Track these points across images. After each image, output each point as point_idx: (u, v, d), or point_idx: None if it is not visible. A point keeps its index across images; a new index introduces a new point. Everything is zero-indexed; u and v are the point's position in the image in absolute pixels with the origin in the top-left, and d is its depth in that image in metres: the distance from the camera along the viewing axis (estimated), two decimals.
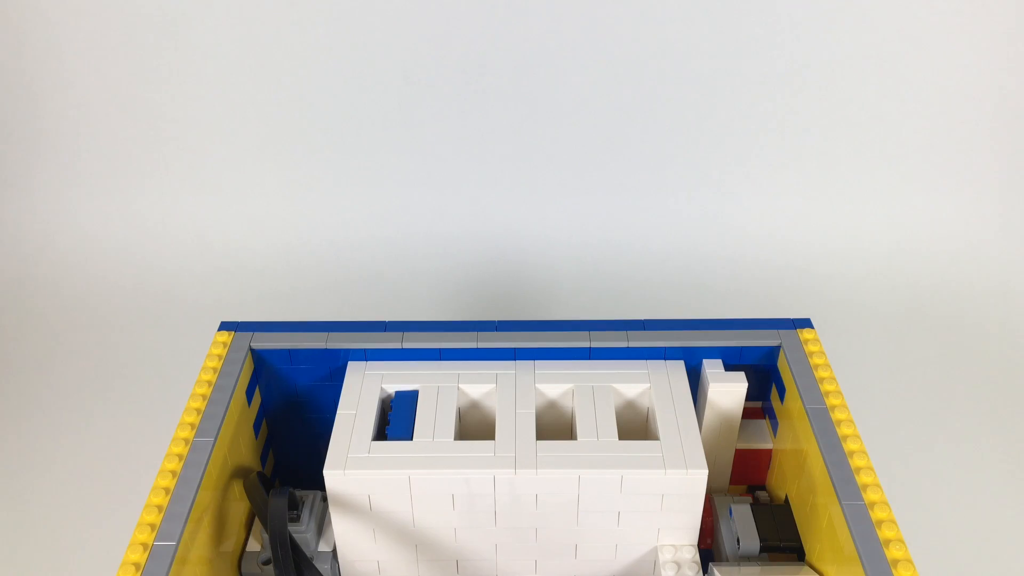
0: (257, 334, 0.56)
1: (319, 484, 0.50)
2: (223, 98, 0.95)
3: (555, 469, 0.49)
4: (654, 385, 0.54)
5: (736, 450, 0.57)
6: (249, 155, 0.99)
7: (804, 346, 0.55)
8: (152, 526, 0.44)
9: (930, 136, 0.96)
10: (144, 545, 0.43)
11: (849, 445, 0.48)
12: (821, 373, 0.53)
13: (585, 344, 0.55)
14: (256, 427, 0.57)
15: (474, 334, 0.56)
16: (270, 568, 0.52)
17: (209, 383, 0.52)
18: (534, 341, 0.55)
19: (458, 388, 0.54)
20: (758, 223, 0.99)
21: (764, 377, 0.57)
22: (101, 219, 1.00)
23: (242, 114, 0.96)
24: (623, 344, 0.55)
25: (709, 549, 0.57)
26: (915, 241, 0.97)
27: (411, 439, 0.50)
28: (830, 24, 0.90)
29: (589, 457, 0.49)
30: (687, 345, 0.55)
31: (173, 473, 0.47)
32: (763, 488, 0.59)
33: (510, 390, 0.53)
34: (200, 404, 0.51)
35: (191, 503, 0.45)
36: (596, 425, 0.51)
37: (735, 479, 0.59)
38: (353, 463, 0.49)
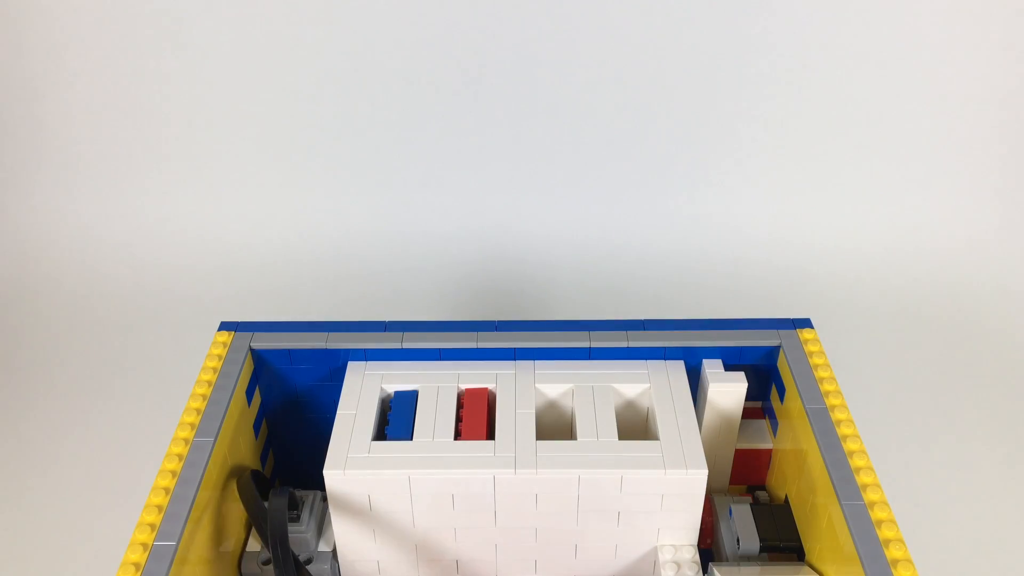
0: (257, 334, 0.56)
1: (319, 484, 0.50)
2: (223, 97, 0.95)
3: (555, 469, 0.49)
4: (654, 385, 0.54)
5: (736, 450, 0.57)
6: (249, 155, 0.99)
7: (804, 346, 0.55)
8: (152, 526, 0.44)
9: (930, 136, 0.96)
10: (144, 545, 0.43)
11: (849, 445, 0.48)
12: (821, 373, 0.53)
13: (585, 344, 0.55)
14: (256, 427, 0.57)
15: (474, 334, 0.56)
16: (270, 568, 0.52)
17: (209, 383, 0.52)
18: (534, 341, 0.55)
19: (458, 388, 0.54)
20: (758, 223, 0.99)
21: (764, 377, 0.57)
22: (101, 219, 1.00)
23: (242, 113, 0.96)
24: (623, 344, 0.55)
25: (709, 549, 0.57)
26: (915, 241, 0.97)
27: (411, 439, 0.50)
28: (830, 24, 0.90)
29: (589, 457, 0.49)
30: (687, 345, 0.55)
31: (173, 473, 0.47)
32: (763, 488, 0.59)
33: (510, 390, 0.53)
34: (200, 404, 0.51)
35: (191, 503, 0.45)
36: (596, 425, 0.51)
37: (735, 479, 0.59)
38: (353, 463, 0.49)
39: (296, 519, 0.53)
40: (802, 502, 0.51)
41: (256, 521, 0.49)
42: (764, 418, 0.59)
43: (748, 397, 0.55)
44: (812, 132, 0.96)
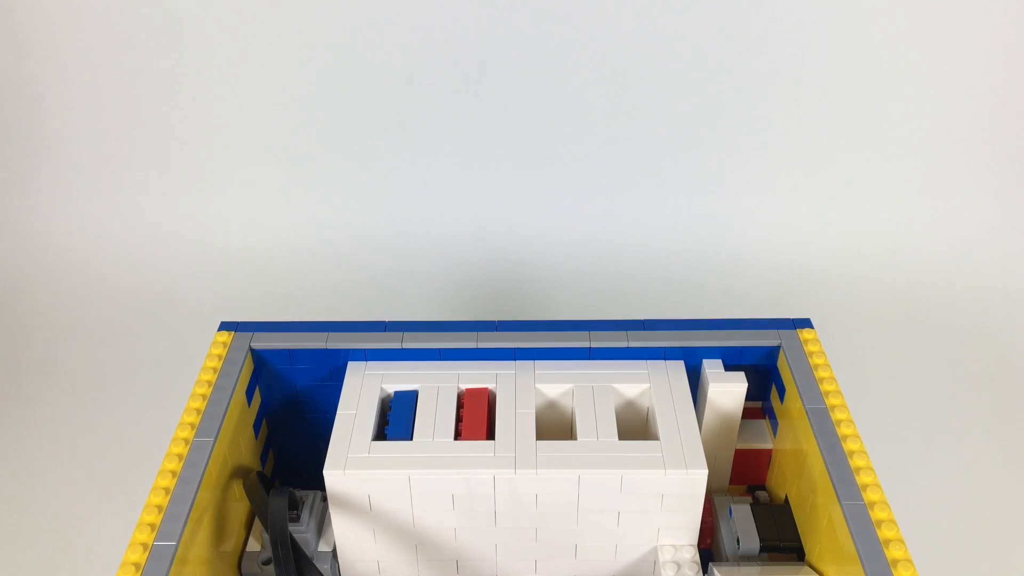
0: (257, 334, 0.56)
1: (319, 484, 0.50)
2: (223, 98, 0.95)
3: (555, 469, 0.49)
4: (654, 385, 0.54)
5: (736, 450, 0.57)
6: (249, 155, 0.99)
7: (804, 346, 0.55)
8: (152, 526, 0.44)
9: (930, 136, 0.96)
10: (144, 545, 0.43)
11: (849, 445, 0.48)
12: (821, 373, 0.53)
13: (585, 344, 0.55)
14: (256, 427, 0.57)
15: (474, 334, 0.56)
16: (270, 568, 0.52)
17: (209, 383, 0.52)
18: (534, 341, 0.55)
19: (458, 388, 0.54)
20: (758, 223, 0.99)
21: (764, 377, 0.57)
22: (101, 219, 1.00)
23: (242, 114, 0.96)
24: (623, 344, 0.55)
25: (709, 549, 0.57)
26: (915, 241, 0.97)
27: (411, 439, 0.51)
28: (831, 24, 0.90)
29: (589, 457, 0.49)
30: (687, 345, 0.55)
31: (173, 473, 0.47)
32: (763, 488, 0.59)
33: (510, 390, 0.53)
34: (200, 404, 0.51)
35: (191, 503, 0.45)
36: (596, 425, 0.51)
37: (735, 479, 0.59)
38: (353, 463, 0.49)
39: (296, 519, 0.53)
40: (802, 502, 0.51)
41: (266, 522, 0.49)
42: (764, 418, 0.59)
43: (748, 397, 0.55)
44: (812, 132, 0.96)
